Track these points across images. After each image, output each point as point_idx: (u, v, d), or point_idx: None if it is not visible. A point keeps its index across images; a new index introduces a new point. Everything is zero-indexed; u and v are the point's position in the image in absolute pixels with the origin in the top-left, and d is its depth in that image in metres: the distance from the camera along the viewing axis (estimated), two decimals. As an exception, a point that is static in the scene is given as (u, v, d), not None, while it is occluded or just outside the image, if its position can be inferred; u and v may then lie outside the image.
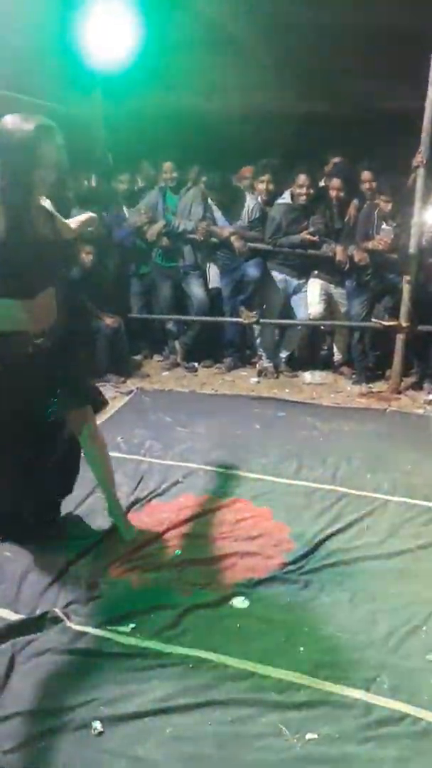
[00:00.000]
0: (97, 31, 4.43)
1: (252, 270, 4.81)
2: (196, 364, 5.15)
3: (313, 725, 1.74)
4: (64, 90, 4.68)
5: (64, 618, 2.12)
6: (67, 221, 2.43)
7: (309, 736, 1.70)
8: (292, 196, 4.62)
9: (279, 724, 1.73)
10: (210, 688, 1.86)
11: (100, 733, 1.71)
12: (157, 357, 5.37)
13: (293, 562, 2.46)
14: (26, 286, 2.13)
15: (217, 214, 4.83)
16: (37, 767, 1.60)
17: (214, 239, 4.78)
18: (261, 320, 4.84)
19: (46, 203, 2.27)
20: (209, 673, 1.92)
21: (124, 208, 5.09)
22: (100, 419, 3.99)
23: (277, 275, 4.84)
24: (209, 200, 4.84)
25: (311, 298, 4.80)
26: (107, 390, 4.55)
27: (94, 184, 5.23)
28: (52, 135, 2.05)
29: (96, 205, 4.86)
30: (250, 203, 4.76)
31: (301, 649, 2.01)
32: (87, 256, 4.54)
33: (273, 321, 4.92)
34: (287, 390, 4.64)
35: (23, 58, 4.27)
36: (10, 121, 2.02)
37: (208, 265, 5.01)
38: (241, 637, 2.06)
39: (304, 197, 4.56)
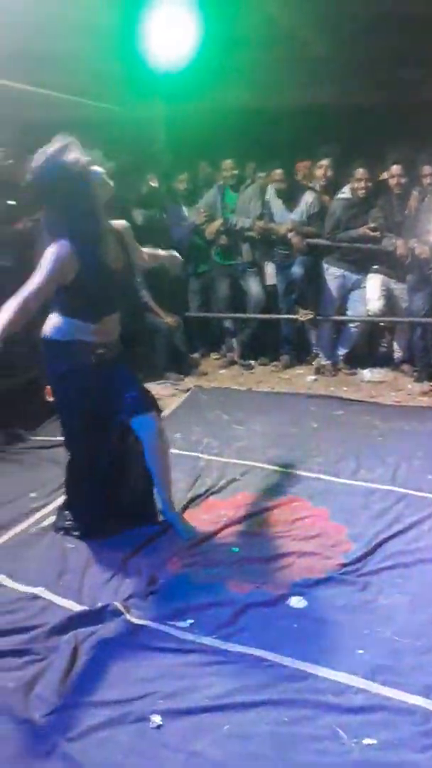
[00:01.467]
0: (158, 32, 4.47)
1: (296, 269, 4.78)
2: (252, 362, 5.15)
3: (371, 730, 1.71)
4: (125, 92, 4.76)
5: (124, 611, 2.17)
6: (144, 250, 2.48)
7: (367, 741, 1.68)
8: (352, 191, 4.55)
9: (336, 728, 1.72)
10: (266, 687, 1.86)
11: (159, 726, 1.74)
12: (213, 355, 5.40)
13: (351, 563, 2.42)
14: (93, 313, 2.23)
15: (276, 210, 4.80)
16: (98, 756, 1.65)
17: (272, 236, 4.76)
18: (318, 317, 4.79)
19: (121, 224, 2.39)
20: (266, 672, 1.92)
21: (183, 208, 5.14)
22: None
23: (336, 271, 4.78)
24: (267, 197, 4.82)
25: (371, 294, 4.70)
26: (166, 388, 4.62)
27: (153, 184, 5.29)
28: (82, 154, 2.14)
29: (155, 206, 4.95)
30: (308, 198, 4.71)
31: (360, 651, 1.99)
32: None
33: (330, 318, 4.86)
34: (345, 388, 4.57)
35: (85, 61, 4.36)
36: (52, 154, 2.09)
37: (265, 262, 4.99)
38: (298, 637, 2.05)
39: (363, 191, 4.48)
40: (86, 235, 2.16)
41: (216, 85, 4.77)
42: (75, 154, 2.09)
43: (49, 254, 2.15)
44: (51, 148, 2.13)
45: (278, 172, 4.68)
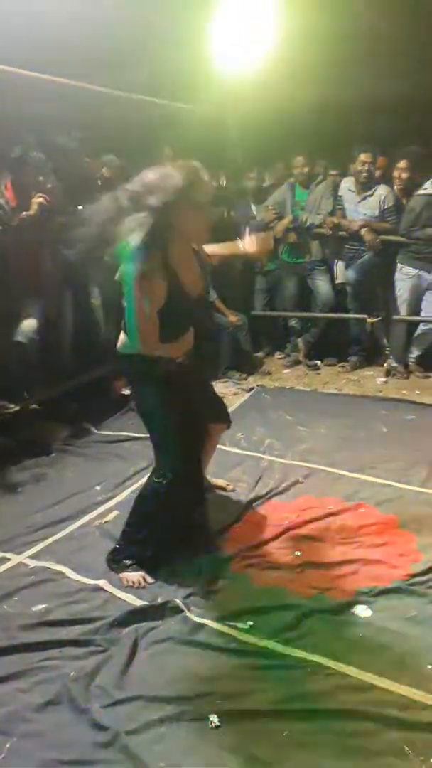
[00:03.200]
0: (233, 31, 4.46)
1: (350, 273, 4.66)
2: (318, 362, 5.06)
3: (440, 750, 1.63)
4: (198, 91, 4.78)
5: (185, 609, 2.17)
6: (212, 248, 2.43)
7: (435, 761, 1.60)
8: (433, 186, 4.38)
9: (403, 744, 1.64)
10: (328, 695, 1.81)
11: (217, 726, 1.72)
12: (278, 354, 5.34)
13: (420, 574, 2.32)
14: (172, 334, 2.21)
15: (349, 206, 4.70)
16: (156, 752, 1.64)
17: (342, 233, 4.66)
18: (389, 317, 4.64)
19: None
20: (328, 681, 1.87)
21: (252, 206, 5.11)
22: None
23: (410, 270, 4.62)
24: (340, 193, 4.73)
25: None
26: (228, 386, 4.61)
27: (224, 182, 5.30)
28: (200, 177, 2.05)
29: (224, 204, 4.95)
30: (383, 192, 4.58)
31: (429, 667, 1.90)
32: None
33: (403, 318, 4.70)
34: (417, 391, 4.40)
35: (159, 62, 4.41)
36: (155, 176, 2.01)
37: (335, 260, 4.90)
38: (363, 647, 1.99)
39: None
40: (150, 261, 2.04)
41: (288, 82, 4.71)
42: (176, 176, 2.00)
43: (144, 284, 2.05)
44: (155, 171, 2.04)
45: (362, 158, 4.54)
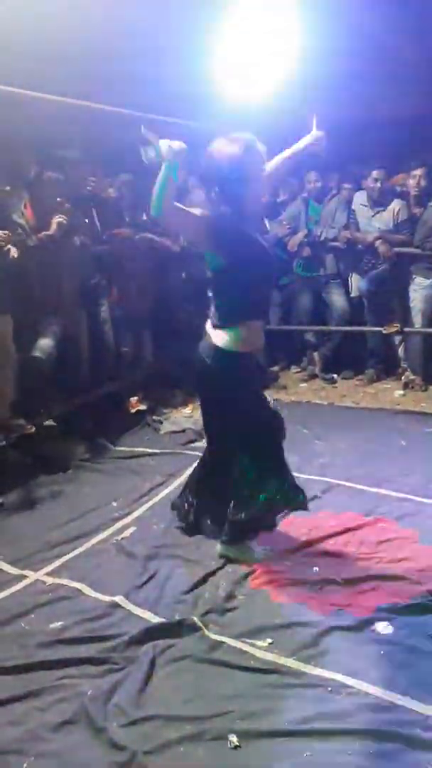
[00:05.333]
0: (242, 48, 4.51)
1: (363, 284, 4.65)
2: (335, 376, 5.03)
3: (465, 772, 1.58)
4: (212, 109, 4.83)
5: (202, 627, 2.14)
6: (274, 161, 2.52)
7: (460, 783, 1.55)
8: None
9: (427, 765, 1.60)
10: (350, 715, 1.77)
11: (236, 746, 1.69)
12: (294, 368, 5.32)
13: (442, 590, 2.28)
14: (247, 310, 2.31)
15: (363, 219, 4.70)
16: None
17: (358, 245, 4.66)
18: (405, 329, 4.61)
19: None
20: (349, 700, 1.83)
21: (266, 221, 5.12)
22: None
23: (423, 281, 4.59)
24: (353, 206, 4.73)
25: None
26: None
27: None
28: (255, 149, 2.18)
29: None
30: (396, 206, 4.58)
31: (453, 686, 1.85)
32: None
33: (418, 330, 4.66)
34: (436, 404, 4.36)
35: (172, 83, 4.46)
36: (217, 146, 2.17)
37: (350, 273, 4.89)
38: (385, 665, 1.94)
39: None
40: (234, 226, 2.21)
41: (299, 97, 4.74)
42: (235, 146, 2.15)
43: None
44: (218, 141, 2.19)
45: (374, 175, 4.57)
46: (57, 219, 3.58)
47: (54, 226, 3.57)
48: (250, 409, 2.43)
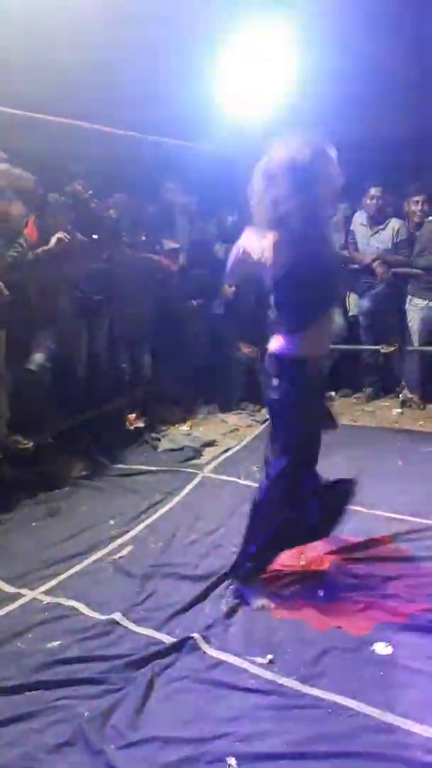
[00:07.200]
0: (242, 69, 4.59)
1: (364, 302, 4.68)
2: (333, 393, 5.04)
3: (466, 796, 1.57)
4: (211, 129, 4.89)
5: (203, 644, 2.13)
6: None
7: (461, 807, 1.54)
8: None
9: (427, 789, 1.58)
10: (349, 738, 1.75)
11: (235, 770, 1.67)
12: (293, 386, 5.32)
13: (439, 610, 2.27)
14: (317, 308, 2.28)
15: (361, 239, 4.75)
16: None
17: (354, 266, 4.70)
18: (403, 348, 4.64)
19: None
20: (348, 721, 1.81)
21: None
22: (235, 448, 4.04)
23: (419, 302, 4.63)
24: (352, 227, 4.78)
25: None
26: (242, 418, 4.60)
27: (235, 218, 5.38)
28: (325, 152, 2.14)
29: (235, 240, 5.02)
30: (396, 225, 4.63)
31: (454, 707, 1.84)
32: (229, 289, 4.66)
33: (417, 348, 4.69)
34: (434, 422, 4.37)
35: (174, 102, 4.53)
36: (288, 148, 2.12)
37: (348, 292, 4.93)
38: (385, 686, 1.93)
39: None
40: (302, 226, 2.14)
41: (297, 118, 4.82)
42: (306, 150, 2.10)
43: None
44: (289, 142, 2.15)
45: (372, 192, 4.61)
46: (58, 235, 3.60)
47: (53, 241, 3.59)
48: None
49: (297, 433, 2.35)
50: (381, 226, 4.67)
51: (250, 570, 2.42)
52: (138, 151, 4.72)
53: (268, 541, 2.38)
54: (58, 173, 4.10)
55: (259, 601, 2.36)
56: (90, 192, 4.19)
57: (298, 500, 2.37)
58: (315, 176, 2.09)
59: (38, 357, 3.64)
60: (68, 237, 3.62)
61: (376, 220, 4.68)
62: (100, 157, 4.45)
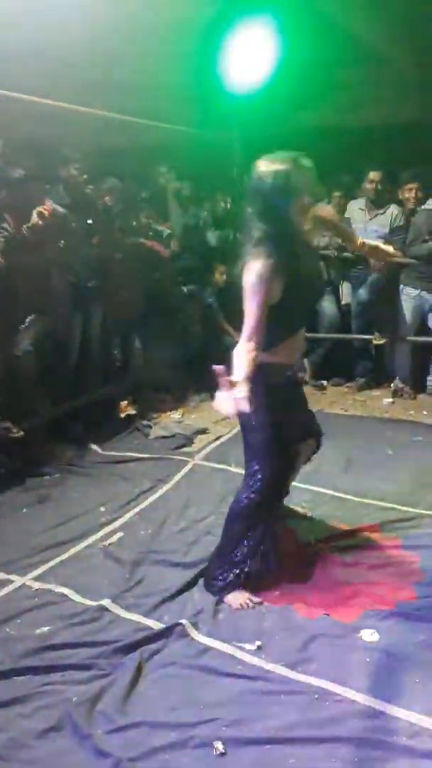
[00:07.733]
0: (237, 56, 4.55)
1: (361, 291, 4.67)
2: (324, 382, 5.04)
3: (449, 779, 1.59)
4: (203, 115, 4.85)
5: (191, 630, 2.14)
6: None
7: (444, 790, 1.56)
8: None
9: (411, 773, 1.61)
10: (335, 722, 1.77)
11: (222, 754, 1.68)
12: (285, 375, 5.32)
13: (425, 597, 2.29)
14: (290, 323, 2.23)
15: (357, 226, 4.73)
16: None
17: (347, 254, 4.68)
18: (394, 339, 4.64)
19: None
20: (334, 707, 1.83)
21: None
22: (227, 436, 4.05)
23: (411, 291, 4.62)
24: (347, 214, 4.76)
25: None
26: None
27: (229, 205, 5.35)
28: (301, 165, 2.12)
29: (229, 227, 5.00)
30: (394, 211, 4.60)
31: (438, 693, 1.87)
32: (220, 276, 4.64)
33: (408, 339, 4.70)
34: (425, 412, 4.38)
35: (163, 87, 4.48)
36: (262, 165, 2.12)
37: (341, 281, 4.92)
38: (371, 672, 1.95)
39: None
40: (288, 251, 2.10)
41: (294, 106, 4.78)
42: (278, 165, 2.09)
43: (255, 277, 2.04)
44: (263, 161, 2.14)
45: (371, 176, 4.58)
46: (38, 209, 3.52)
47: (35, 216, 3.50)
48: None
49: (261, 444, 2.27)
50: (380, 210, 4.63)
51: (234, 580, 2.34)
52: (132, 135, 4.68)
53: (243, 556, 2.33)
54: (49, 159, 4.05)
55: (240, 599, 2.31)
56: (85, 177, 4.15)
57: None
58: (286, 193, 2.07)
59: (25, 343, 3.61)
60: (48, 210, 3.54)
61: (376, 204, 4.65)
62: (94, 141, 4.41)
